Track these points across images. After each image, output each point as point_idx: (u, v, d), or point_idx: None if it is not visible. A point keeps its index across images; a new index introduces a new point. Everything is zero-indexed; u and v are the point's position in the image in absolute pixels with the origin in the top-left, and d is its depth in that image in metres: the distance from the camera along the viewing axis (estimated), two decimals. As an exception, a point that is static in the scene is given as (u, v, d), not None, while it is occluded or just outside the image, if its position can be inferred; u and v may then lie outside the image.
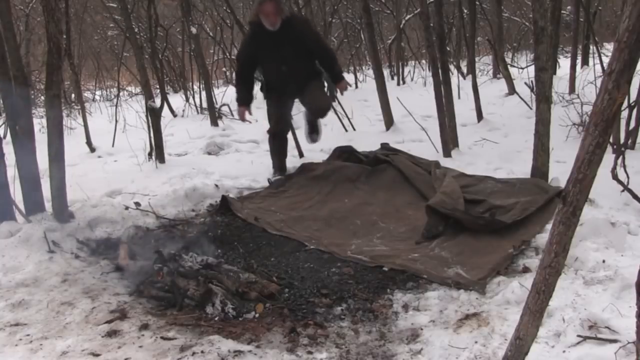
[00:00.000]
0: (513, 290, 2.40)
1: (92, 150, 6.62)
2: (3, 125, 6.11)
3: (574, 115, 5.19)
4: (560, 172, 3.68)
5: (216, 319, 2.41)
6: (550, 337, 2.08)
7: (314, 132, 4.74)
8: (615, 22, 11.27)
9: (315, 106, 4.42)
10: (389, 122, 6.31)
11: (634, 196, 2.07)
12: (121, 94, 9.06)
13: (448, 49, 9.03)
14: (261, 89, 4.60)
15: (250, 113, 4.46)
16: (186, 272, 2.69)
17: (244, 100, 4.42)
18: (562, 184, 2.83)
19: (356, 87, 10.66)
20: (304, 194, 4.10)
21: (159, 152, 5.41)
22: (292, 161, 5.05)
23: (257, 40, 4.23)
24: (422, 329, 2.26)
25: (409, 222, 3.44)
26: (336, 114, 6.16)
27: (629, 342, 1.88)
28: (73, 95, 9.88)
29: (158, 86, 7.48)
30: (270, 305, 2.51)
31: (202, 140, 6.53)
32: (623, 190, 2.06)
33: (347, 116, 6.50)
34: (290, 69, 4.22)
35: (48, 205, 3.63)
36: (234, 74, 4.24)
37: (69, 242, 3.29)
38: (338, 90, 4.52)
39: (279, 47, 4.13)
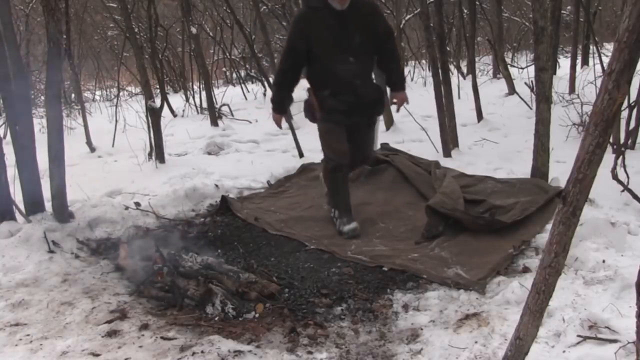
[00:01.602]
0: (513, 290, 2.40)
1: (92, 150, 6.62)
2: (3, 125, 6.11)
3: (574, 115, 5.19)
4: (560, 172, 3.68)
5: (216, 319, 2.41)
6: (550, 337, 2.08)
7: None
8: (615, 22, 11.27)
9: (361, 155, 3.52)
10: (389, 122, 6.31)
11: (634, 196, 2.07)
12: (121, 94, 9.06)
13: (448, 49, 9.03)
14: (306, 108, 3.42)
15: (287, 120, 3.73)
16: (186, 272, 2.69)
17: (284, 105, 3.49)
18: (562, 184, 2.83)
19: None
20: (304, 194, 4.10)
21: (159, 152, 5.41)
22: (292, 161, 5.05)
23: (316, 22, 3.20)
24: (422, 329, 2.26)
25: (408, 222, 3.44)
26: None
27: (629, 342, 1.88)
28: (73, 95, 9.88)
29: (158, 86, 7.48)
30: (270, 305, 2.51)
31: (202, 140, 6.53)
32: (623, 190, 2.06)
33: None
34: (359, 64, 3.26)
35: (48, 205, 3.63)
36: (275, 72, 3.41)
37: (69, 242, 3.29)
38: (395, 103, 3.50)
39: (346, 33, 3.20)
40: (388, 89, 3.58)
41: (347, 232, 3.31)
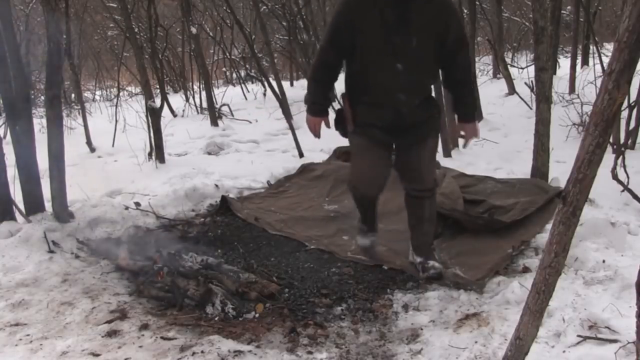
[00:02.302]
0: (513, 290, 2.40)
1: (92, 150, 6.62)
2: (3, 125, 6.11)
3: (574, 115, 5.19)
4: (560, 172, 3.68)
5: (216, 319, 2.41)
6: (550, 337, 2.08)
7: (425, 264, 2.76)
8: (615, 22, 11.27)
9: (414, 186, 2.77)
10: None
11: (634, 196, 2.07)
12: (121, 94, 9.06)
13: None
14: (337, 119, 2.76)
15: (327, 126, 2.75)
16: (186, 272, 2.69)
17: (322, 105, 2.71)
18: (562, 184, 2.82)
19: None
20: (304, 194, 4.10)
21: (159, 152, 5.42)
22: (292, 161, 5.05)
23: (367, 10, 2.48)
24: (422, 329, 2.26)
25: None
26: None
27: (629, 342, 1.88)
28: (73, 95, 9.88)
29: (158, 86, 7.48)
30: (270, 305, 2.51)
31: (202, 140, 6.53)
32: (623, 190, 2.07)
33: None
34: (410, 75, 2.53)
35: (48, 205, 3.63)
36: (314, 61, 2.72)
37: (69, 242, 3.29)
38: (463, 136, 2.76)
39: (401, 31, 2.46)
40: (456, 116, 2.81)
41: (359, 244, 3.06)
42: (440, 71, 2.71)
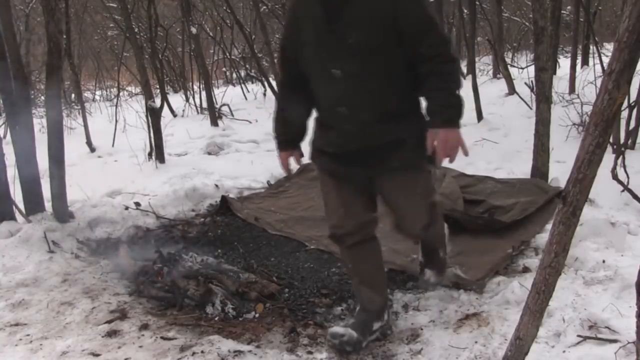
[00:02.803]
0: (513, 290, 2.40)
1: (92, 150, 6.62)
2: (3, 125, 6.11)
3: (574, 115, 5.19)
4: (560, 172, 3.68)
5: (216, 319, 2.41)
6: (550, 337, 2.08)
7: (427, 267, 2.54)
8: (615, 22, 11.26)
9: (403, 223, 2.16)
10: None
11: (634, 196, 2.07)
12: (121, 94, 9.06)
13: (448, 49, 9.00)
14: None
15: (299, 159, 2.28)
16: (186, 272, 2.69)
17: (285, 135, 2.24)
18: (562, 184, 2.82)
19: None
20: (303, 194, 4.10)
21: (159, 152, 5.42)
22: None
23: (305, 8, 2.00)
24: (422, 329, 2.26)
25: (409, 222, 3.43)
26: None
27: (629, 342, 1.88)
28: (73, 95, 9.88)
29: (158, 86, 7.48)
30: (270, 305, 2.51)
31: (202, 140, 6.53)
32: (623, 190, 2.06)
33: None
34: (351, 82, 1.93)
35: (48, 205, 3.63)
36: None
37: (69, 242, 3.29)
38: (433, 153, 1.92)
39: (334, 22, 1.90)
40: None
41: (329, 337, 2.13)
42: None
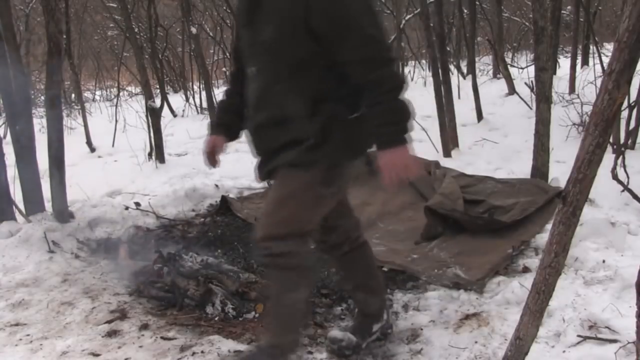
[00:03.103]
0: (513, 290, 2.40)
1: (92, 150, 6.63)
2: (3, 125, 6.11)
3: (574, 115, 5.19)
4: (560, 172, 3.68)
5: (216, 319, 2.41)
6: (550, 337, 2.08)
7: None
8: (615, 22, 11.27)
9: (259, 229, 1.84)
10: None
11: (634, 196, 2.06)
12: (121, 94, 9.06)
13: (448, 49, 9.03)
14: None
15: (221, 145, 2.07)
16: (186, 272, 2.69)
17: (218, 119, 2.09)
18: (562, 184, 2.82)
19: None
20: (304, 194, 4.09)
21: (159, 152, 5.42)
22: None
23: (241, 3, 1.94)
24: (422, 329, 2.26)
25: (408, 222, 3.43)
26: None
27: (629, 342, 1.88)
28: (73, 95, 9.89)
29: (158, 86, 7.48)
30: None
31: (202, 140, 6.51)
32: (623, 190, 2.06)
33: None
34: (261, 80, 1.79)
35: (48, 205, 3.63)
36: None
37: (69, 242, 3.29)
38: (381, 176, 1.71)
39: (251, 14, 1.78)
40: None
41: (328, 342, 2.11)
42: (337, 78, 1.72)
